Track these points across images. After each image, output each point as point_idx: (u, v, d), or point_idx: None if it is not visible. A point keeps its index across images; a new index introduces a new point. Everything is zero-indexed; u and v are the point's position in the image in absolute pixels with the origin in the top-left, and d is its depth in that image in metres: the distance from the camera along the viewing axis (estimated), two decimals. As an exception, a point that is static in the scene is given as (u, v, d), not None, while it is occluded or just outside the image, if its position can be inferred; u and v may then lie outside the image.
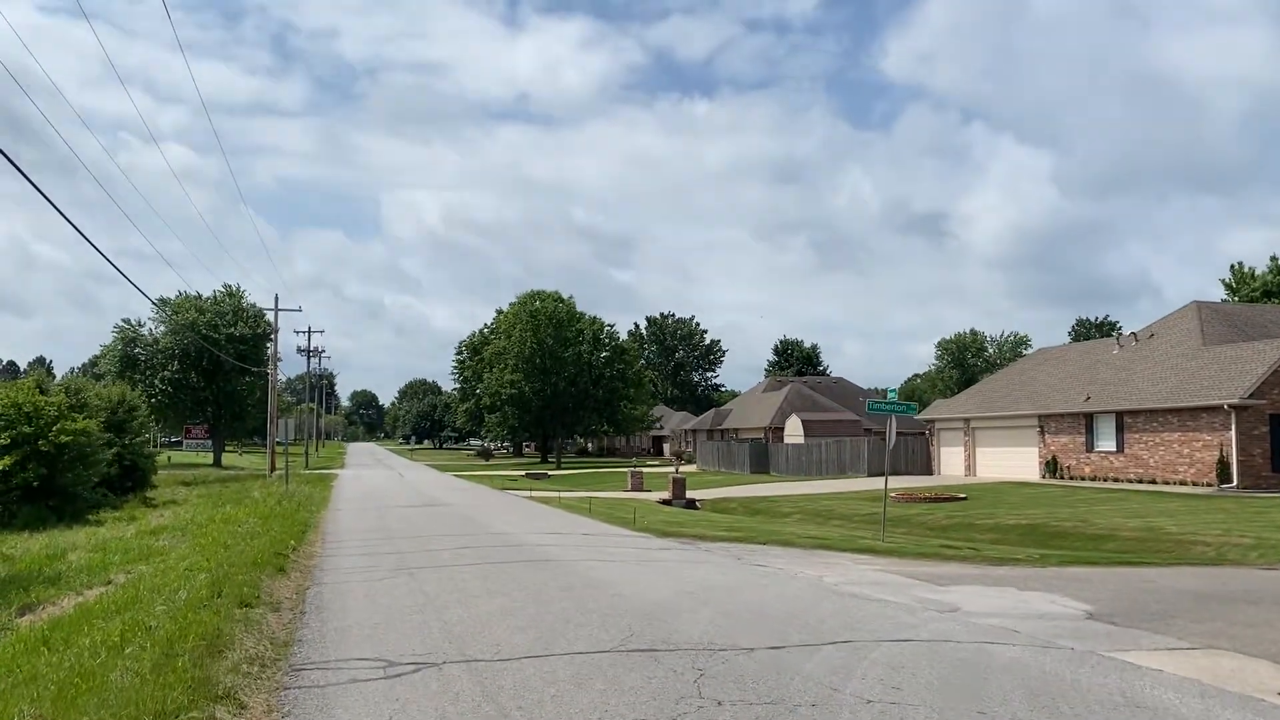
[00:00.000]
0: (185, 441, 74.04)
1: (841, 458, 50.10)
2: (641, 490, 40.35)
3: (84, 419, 29.30)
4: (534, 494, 35.63)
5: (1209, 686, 7.37)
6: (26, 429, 26.29)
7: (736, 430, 73.29)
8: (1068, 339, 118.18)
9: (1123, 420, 36.32)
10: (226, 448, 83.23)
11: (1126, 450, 36.03)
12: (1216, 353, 35.16)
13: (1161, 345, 38.61)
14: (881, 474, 48.45)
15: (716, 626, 9.27)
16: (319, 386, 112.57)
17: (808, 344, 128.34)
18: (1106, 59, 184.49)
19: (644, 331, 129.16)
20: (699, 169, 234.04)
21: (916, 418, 66.74)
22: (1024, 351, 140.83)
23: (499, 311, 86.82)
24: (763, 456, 56.69)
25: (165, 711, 6.11)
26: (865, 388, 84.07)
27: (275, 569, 13.49)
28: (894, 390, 19.37)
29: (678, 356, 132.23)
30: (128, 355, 64.71)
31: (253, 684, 7.16)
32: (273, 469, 48.94)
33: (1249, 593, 13.04)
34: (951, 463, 46.60)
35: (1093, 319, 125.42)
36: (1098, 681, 7.44)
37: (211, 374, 65.31)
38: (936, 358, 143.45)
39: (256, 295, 69.02)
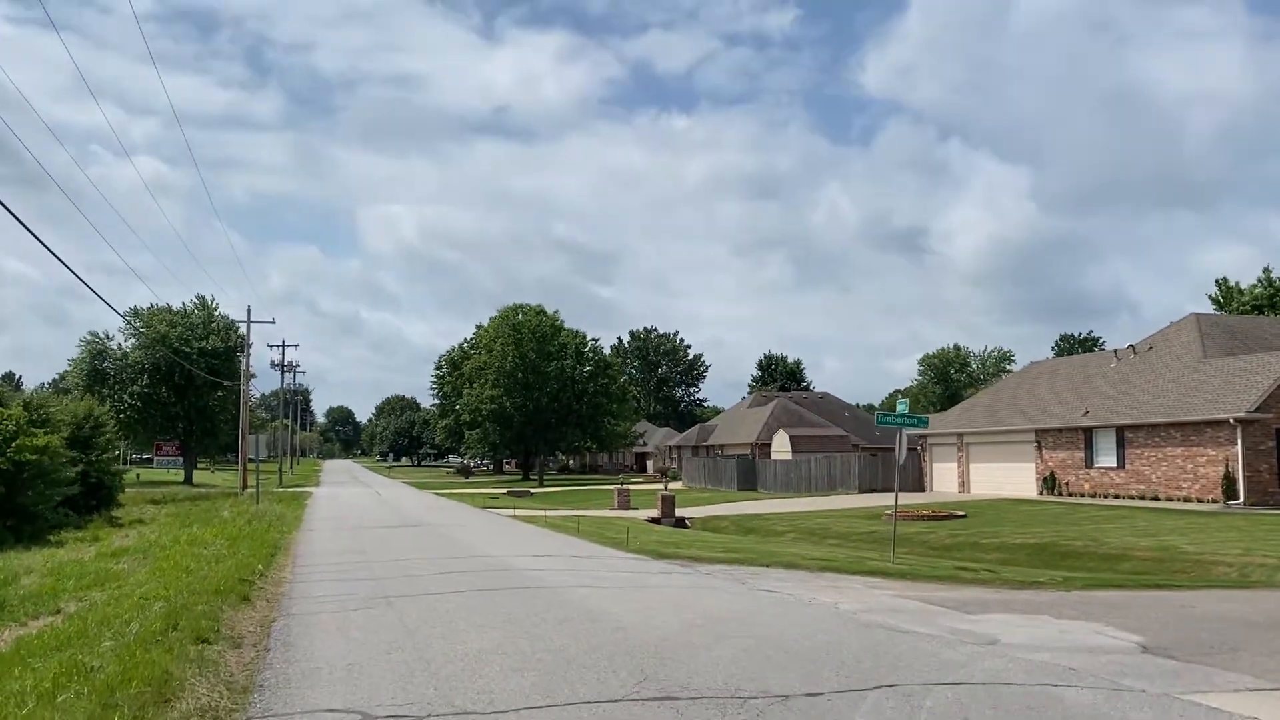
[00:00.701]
0: (156, 458, 72.13)
1: (831, 474, 49.05)
2: (628, 508, 39.13)
3: (46, 435, 27.91)
4: (517, 513, 34.36)
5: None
6: (-18, 445, 24.88)
7: (722, 446, 72.18)
8: (1051, 354, 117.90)
9: (1123, 435, 35.43)
10: (199, 465, 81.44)
11: (1128, 466, 35.13)
12: (1219, 365, 34.37)
13: (1161, 358, 37.81)
14: (873, 490, 47.74)
15: (740, 667, 8.12)
16: (294, 402, 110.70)
17: (791, 359, 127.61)
18: (1083, 75, 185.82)
19: (627, 346, 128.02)
20: (678, 184, 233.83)
21: (910, 433, 66.09)
22: (1008, 367, 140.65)
23: (479, 326, 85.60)
24: (750, 473, 55.58)
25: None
26: (851, 403, 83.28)
27: (239, 597, 12.26)
28: (904, 402, 18.30)
29: (661, 371, 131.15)
30: (96, 369, 63.00)
31: (197, 748, 5.95)
32: (244, 487, 47.41)
33: (1304, 620, 12.01)
34: (944, 479, 45.63)
35: (1076, 334, 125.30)
36: (1202, 737, 6.34)
37: (183, 389, 63.68)
38: (920, 373, 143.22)
39: (230, 310, 67.47)
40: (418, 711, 6.73)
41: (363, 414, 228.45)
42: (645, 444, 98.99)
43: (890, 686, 7.55)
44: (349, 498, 46.00)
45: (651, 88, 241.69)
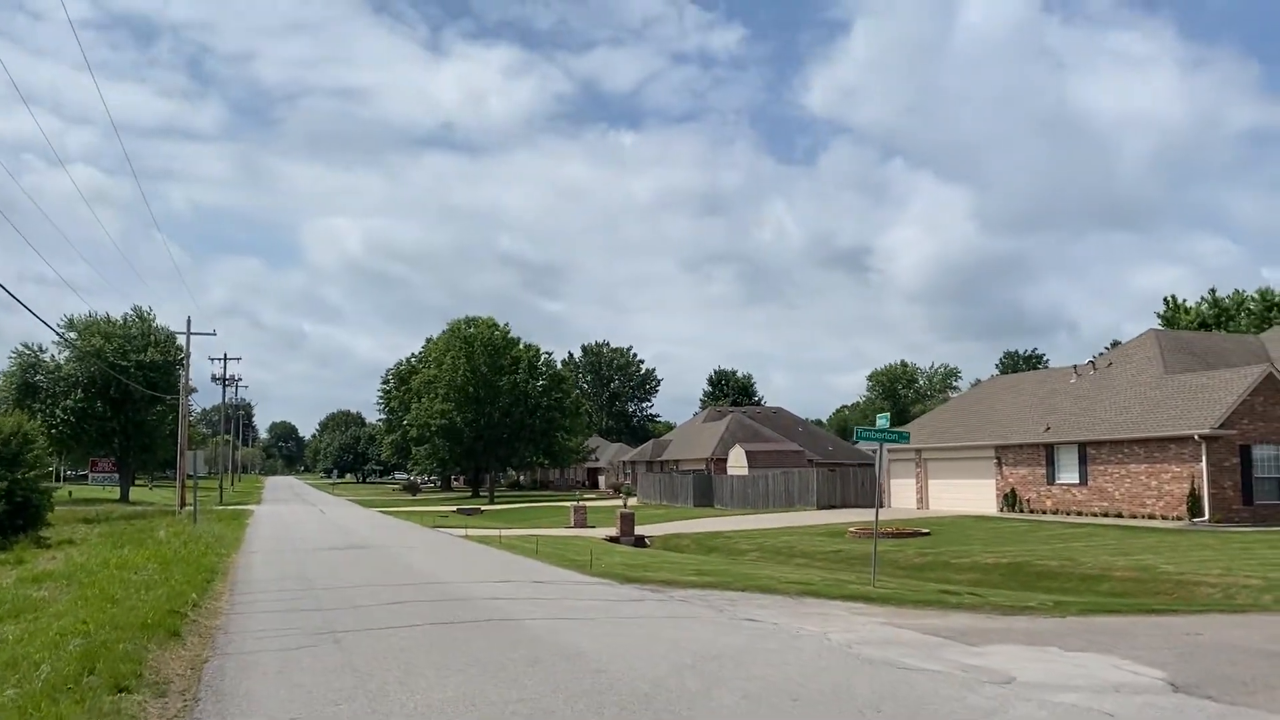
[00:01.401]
0: (91, 475, 69.33)
1: (789, 490, 48.28)
2: (585, 527, 37.97)
3: (-36, 451, 26.09)
4: (469, 532, 33.04)
5: None
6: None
7: (677, 462, 71.21)
8: (996, 371, 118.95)
9: (1086, 451, 35.05)
10: (136, 482, 78.67)
11: (1090, 483, 34.73)
12: (1181, 381, 34.12)
13: (1122, 374, 37.55)
14: (831, 506, 47.04)
15: (746, 720, 7.09)
16: (235, 417, 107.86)
17: (741, 374, 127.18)
18: (1022, 99, 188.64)
19: (579, 361, 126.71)
20: (627, 200, 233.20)
21: (868, 450, 65.57)
22: (955, 383, 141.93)
23: (429, 339, 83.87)
24: (706, 489, 54.67)
25: None
26: (804, 418, 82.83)
27: (168, 632, 10.97)
28: (885, 416, 17.43)
29: (613, 386, 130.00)
30: (27, 383, 60.33)
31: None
32: (182, 505, 45.47)
33: (1327, 650, 11.27)
34: (903, 495, 45.06)
35: (1021, 351, 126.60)
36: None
37: (120, 403, 61.25)
38: (868, 389, 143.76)
39: (170, 323, 65.09)
40: (375, 786, 5.61)
41: (306, 429, 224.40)
42: (598, 459, 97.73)
43: (922, 743, 6.57)
44: (292, 516, 44.28)
45: (599, 104, 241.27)
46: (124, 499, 62.54)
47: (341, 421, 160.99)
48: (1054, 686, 8.83)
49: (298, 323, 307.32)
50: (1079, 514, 34.91)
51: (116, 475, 65.18)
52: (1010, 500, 38.27)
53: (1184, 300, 71.48)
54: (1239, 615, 15.09)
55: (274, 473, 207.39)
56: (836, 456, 68.81)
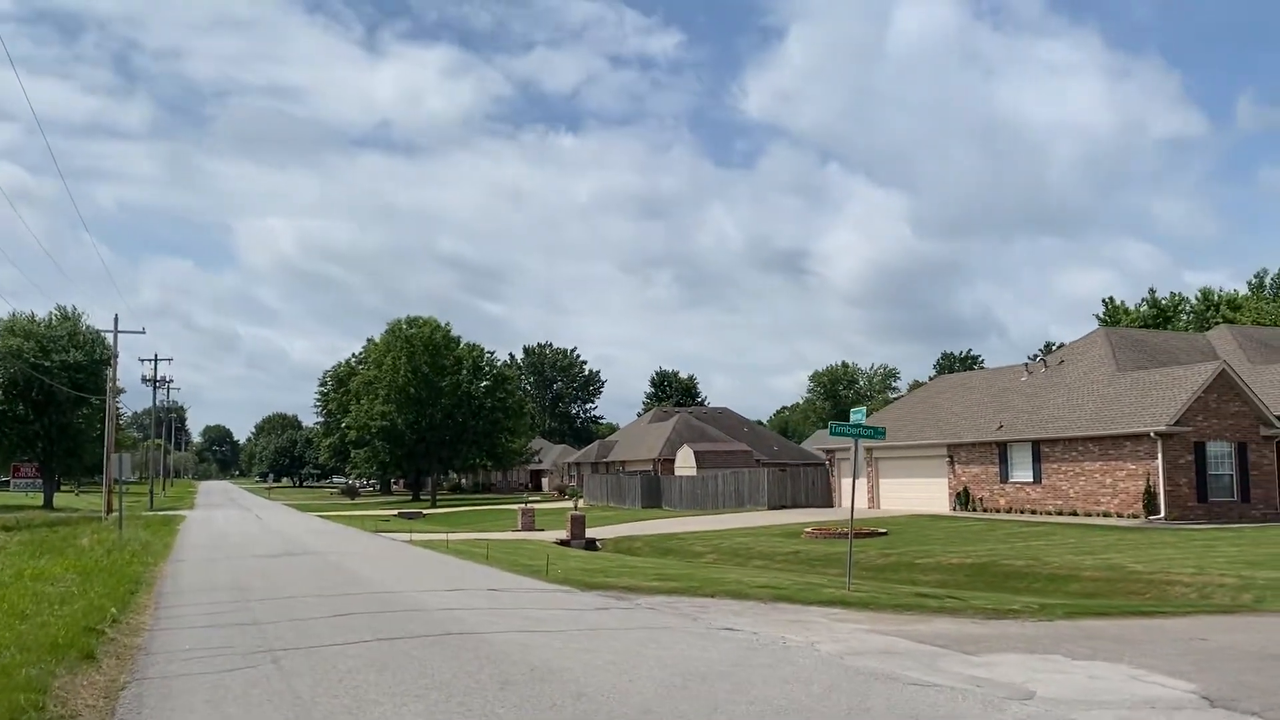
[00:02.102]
0: (13, 481, 66.36)
1: (739, 490, 47.54)
2: (533, 530, 36.79)
3: None
4: (414, 537, 31.70)
5: None
6: None
7: (624, 463, 70.21)
8: (934, 372, 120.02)
9: (1039, 449, 34.75)
10: (62, 487, 75.67)
11: (1044, 480, 34.43)
12: (1134, 379, 33.96)
13: (1073, 371, 37.36)
14: (782, 506, 46.37)
15: (760, 754, 6.12)
16: (167, 420, 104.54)
17: (684, 376, 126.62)
18: (955, 105, 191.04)
19: (520, 362, 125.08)
20: (567, 202, 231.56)
21: (814, 450, 65.09)
22: (894, 384, 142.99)
23: (370, 340, 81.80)
24: (655, 490, 53.75)
25: None
26: (751, 419, 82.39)
27: (81, 654, 9.70)
28: (860, 411, 16.58)
29: (556, 388, 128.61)
30: (-58, 385, 57.47)
31: None
32: (109, 511, 43.38)
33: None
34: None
35: (957, 353, 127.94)
36: None
37: (43, 405, 58.60)
38: (809, 390, 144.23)
39: (100, 326, 62.16)
40: None
41: (241, 433, 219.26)
42: (541, 462, 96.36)
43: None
44: (226, 522, 42.46)
45: (539, 106, 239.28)
46: (48, 505, 59.85)
47: (278, 424, 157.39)
48: (1080, 702, 8.01)
49: (231, 325, 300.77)
50: (1033, 512, 34.60)
51: (40, 481, 62.41)
52: (963, 499, 37.90)
53: (1122, 302, 72.34)
54: (1229, 617, 14.51)
55: (208, 477, 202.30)
56: (782, 457, 68.38)
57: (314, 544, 28.01)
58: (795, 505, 45.60)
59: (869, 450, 43.92)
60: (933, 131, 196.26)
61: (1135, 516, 30.73)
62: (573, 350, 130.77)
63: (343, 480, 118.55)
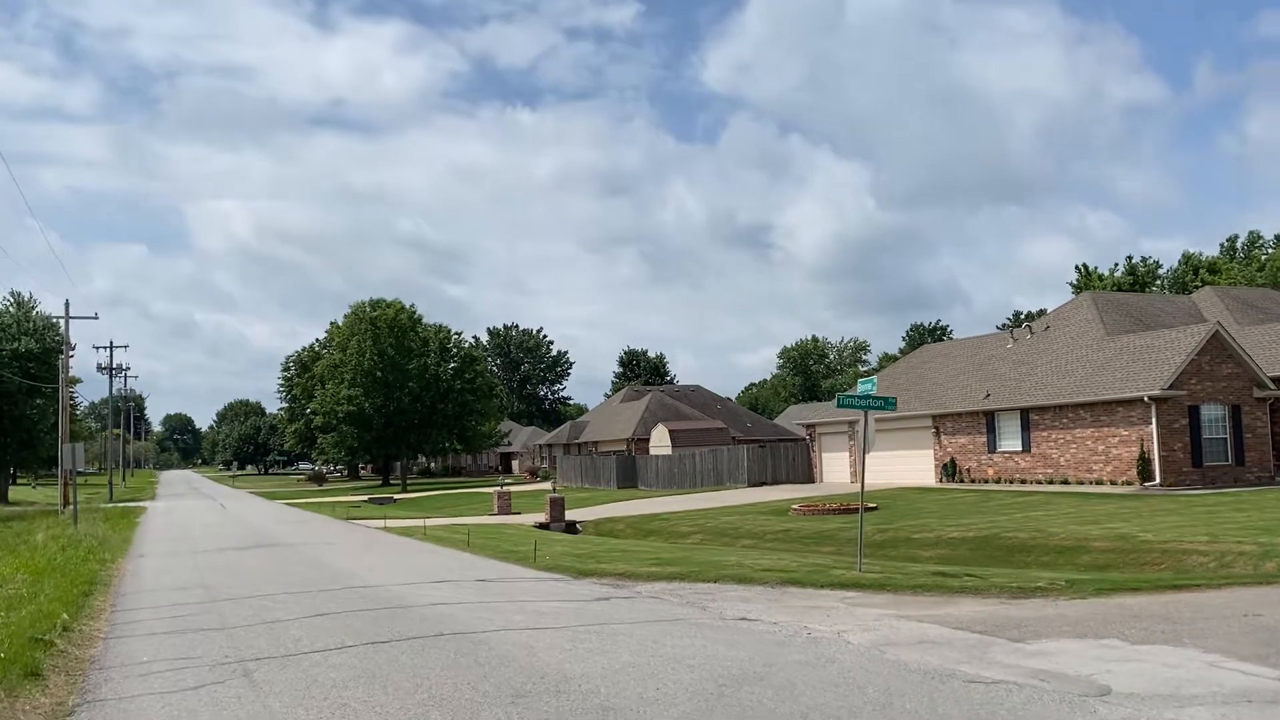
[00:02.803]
0: (-35, 476, 64.22)
1: (718, 468, 46.65)
2: (510, 513, 35.67)
3: None
4: (388, 524, 30.49)
5: None
6: None
7: (596, 443, 69.14)
8: (903, 344, 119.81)
9: (1028, 417, 34.06)
10: (19, 480, 73.44)
11: (1034, 449, 33.75)
12: (1124, 343, 33.29)
13: (1061, 337, 36.68)
14: (762, 483, 45.52)
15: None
16: (125, 409, 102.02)
17: (653, 354, 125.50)
18: (916, 74, 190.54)
19: (487, 344, 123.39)
20: (527, 180, 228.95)
21: (796, 424, 64.33)
22: (864, 357, 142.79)
23: (333, 324, 79.88)
24: (630, 470, 52.76)
25: None
26: (723, 396, 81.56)
27: (25, 671, 8.52)
28: (870, 381, 15.57)
29: (524, 370, 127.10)
30: (-112, 378, 55.14)
31: None
32: (65, 504, 41.72)
33: None
34: (836, 469, 43.81)
35: (926, 324, 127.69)
36: None
37: (-6, 397, 56.44)
38: (779, 366, 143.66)
39: (50, 313, 59.84)
40: None
41: (203, 421, 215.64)
42: (510, 444, 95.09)
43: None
44: (189, 512, 40.96)
45: (494, 81, 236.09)
46: (3, 500, 57.93)
47: (240, 411, 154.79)
48: (1167, 698, 7.07)
49: (188, 311, 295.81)
50: (1023, 482, 33.94)
51: (-7, 474, 60.37)
52: (950, 470, 37.21)
53: (1096, 268, 72.07)
54: (1267, 589, 13.67)
55: (169, 467, 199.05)
56: (756, 433, 67.63)
57: (283, 534, 26.73)
58: (776, 482, 44.78)
59: (850, 424, 43.11)
60: (894, 101, 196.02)
61: (1129, 484, 30.12)
62: (539, 331, 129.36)
63: (309, 466, 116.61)
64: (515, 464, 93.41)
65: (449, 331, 75.44)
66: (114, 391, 74.39)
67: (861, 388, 15.31)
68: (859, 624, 10.70)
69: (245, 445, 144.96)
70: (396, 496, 56.80)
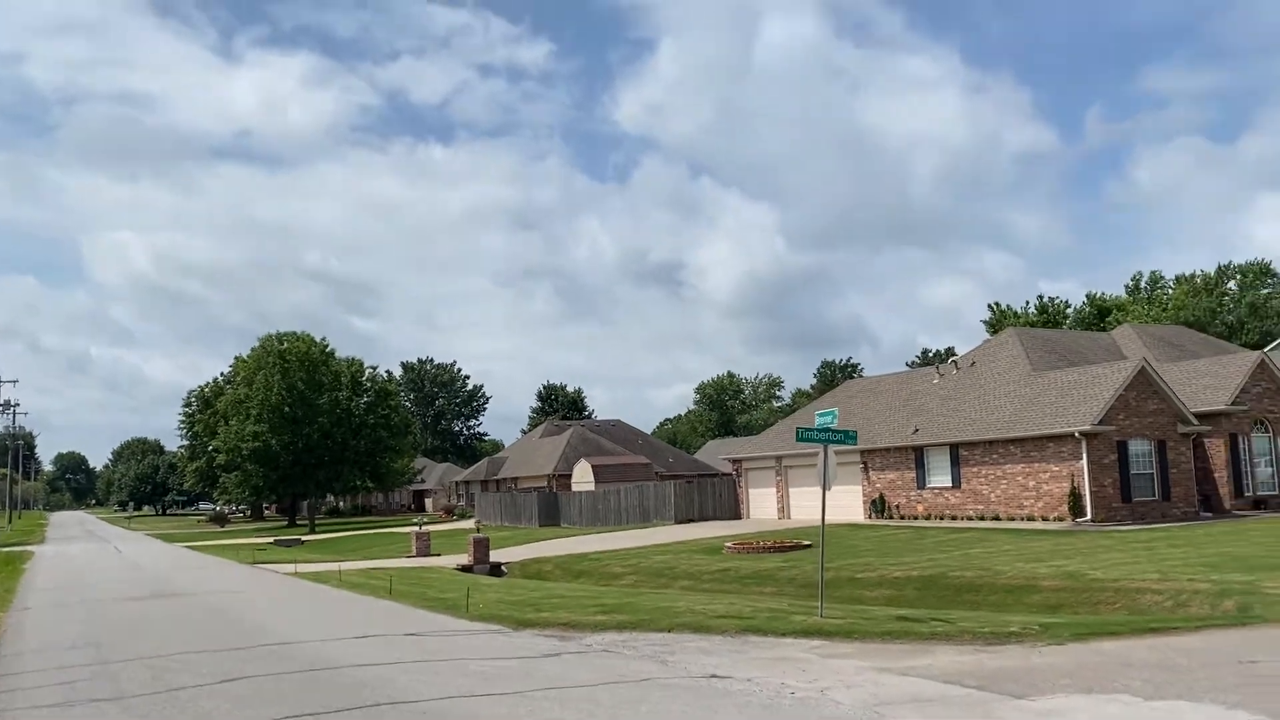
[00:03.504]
0: None
1: (644, 504, 45.58)
2: (429, 554, 34.05)
3: None
4: (299, 569, 28.68)
5: None
6: None
7: (516, 479, 67.47)
8: (814, 380, 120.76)
9: (958, 453, 33.83)
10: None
11: (964, 485, 33.51)
12: (1051, 379, 33.35)
13: (987, 373, 36.67)
14: (690, 520, 44.52)
15: None
16: (14, 448, 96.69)
17: (571, 389, 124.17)
18: (820, 118, 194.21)
19: (399, 379, 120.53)
20: (439, 215, 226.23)
21: (721, 459, 63.54)
22: (777, 393, 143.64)
23: (238, 358, 76.81)
24: (553, 507, 51.36)
25: None
26: (646, 430, 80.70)
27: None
28: (831, 414, 14.77)
29: (438, 404, 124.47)
30: None
31: None
32: (-56, 550, 38.67)
33: None
34: (763, 505, 43.13)
35: (837, 360, 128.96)
36: None
37: None
38: (695, 401, 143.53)
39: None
40: None
41: (98, 460, 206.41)
42: (424, 481, 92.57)
43: None
44: (82, 557, 38.27)
45: (407, 116, 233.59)
46: None
47: (138, 450, 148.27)
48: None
49: (83, 345, 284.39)
50: (953, 518, 33.64)
51: None
52: (879, 506, 36.79)
53: (1009, 305, 73.39)
54: (1243, 630, 13.12)
55: (61, 508, 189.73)
56: (678, 469, 66.81)
57: (186, 582, 24.80)
58: (703, 518, 43.91)
59: (778, 459, 42.58)
60: (800, 145, 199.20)
61: (1061, 519, 29.97)
62: (454, 365, 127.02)
63: (210, 507, 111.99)
64: (429, 502, 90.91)
65: (360, 364, 73.16)
66: (1, 429, 70.17)
67: (820, 420, 14.48)
68: (840, 679, 9.78)
69: (142, 485, 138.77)
70: (305, 538, 54.37)
